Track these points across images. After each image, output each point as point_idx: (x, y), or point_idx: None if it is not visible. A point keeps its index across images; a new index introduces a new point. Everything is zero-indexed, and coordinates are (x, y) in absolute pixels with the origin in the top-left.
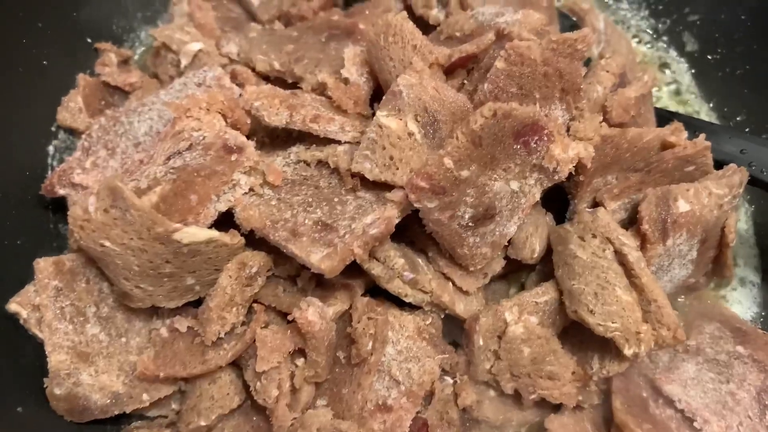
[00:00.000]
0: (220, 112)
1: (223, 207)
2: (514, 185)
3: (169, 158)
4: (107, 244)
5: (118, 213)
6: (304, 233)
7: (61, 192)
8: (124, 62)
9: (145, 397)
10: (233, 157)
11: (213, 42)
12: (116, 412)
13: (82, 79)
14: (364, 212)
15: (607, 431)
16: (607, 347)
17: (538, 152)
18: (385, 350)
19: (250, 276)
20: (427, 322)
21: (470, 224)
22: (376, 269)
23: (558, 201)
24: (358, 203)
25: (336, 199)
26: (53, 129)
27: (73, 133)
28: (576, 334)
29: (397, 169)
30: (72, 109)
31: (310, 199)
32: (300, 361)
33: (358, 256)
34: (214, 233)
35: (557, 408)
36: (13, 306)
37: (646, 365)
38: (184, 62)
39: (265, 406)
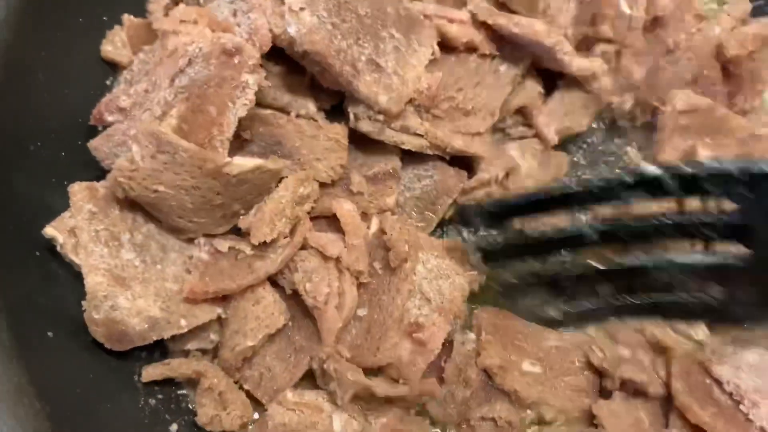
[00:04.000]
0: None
1: (243, 112)
2: None
3: (172, 80)
4: (161, 188)
5: (167, 157)
6: (363, 70)
7: (110, 119)
8: (175, 3)
9: (183, 322)
10: (236, 60)
11: None
12: (154, 338)
13: (127, 19)
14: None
15: (665, 420)
16: None
17: None
18: (416, 268)
19: (303, 195)
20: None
21: None
22: (365, 127)
23: None
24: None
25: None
26: (108, 83)
27: (116, 68)
28: None
29: None
30: (116, 43)
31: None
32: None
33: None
34: (259, 161)
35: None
36: (49, 230)
37: (706, 353)
38: None
39: (315, 306)
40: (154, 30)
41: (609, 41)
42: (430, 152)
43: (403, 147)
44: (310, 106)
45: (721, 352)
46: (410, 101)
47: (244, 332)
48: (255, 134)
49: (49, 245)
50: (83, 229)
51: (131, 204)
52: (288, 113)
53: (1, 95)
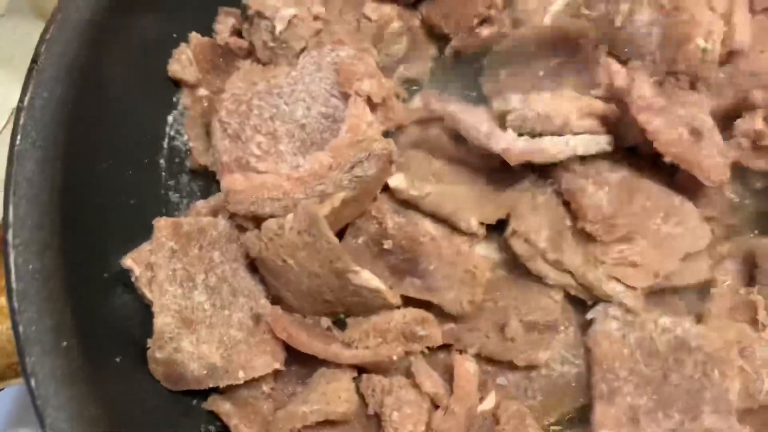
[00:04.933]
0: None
1: None
2: None
3: (353, 167)
4: (290, 261)
5: (309, 239)
6: None
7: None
8: (238, 33)
9: (240, 374)
10: (393, 168)
11: (305, 7)
12: (210, 385)
13: (194, 37)
14: None
15: None
16: None
17: None
18: None
19: (415, 334)
20: None
21: None
22: (518, 248)
23: None
24: None
25: None
26: (174, 100)
27: (179, 85)
28: None
29: None
30: (183, 61)
31: None
32: (438, 413)
33: None
34: (383, 286)
35: None
36: (128, 261)
37: None
38: (279, 27)
39: None
40: (219, 50)
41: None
42: (572, 292)
43: (546, 281)
44: (473, 222)
45: None
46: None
47: (305, 398)
48: (396, 246)
49: (116, 268)
50: (161, 267)
51: (211, 243)
52: (448, 225)
53: (75, 113)
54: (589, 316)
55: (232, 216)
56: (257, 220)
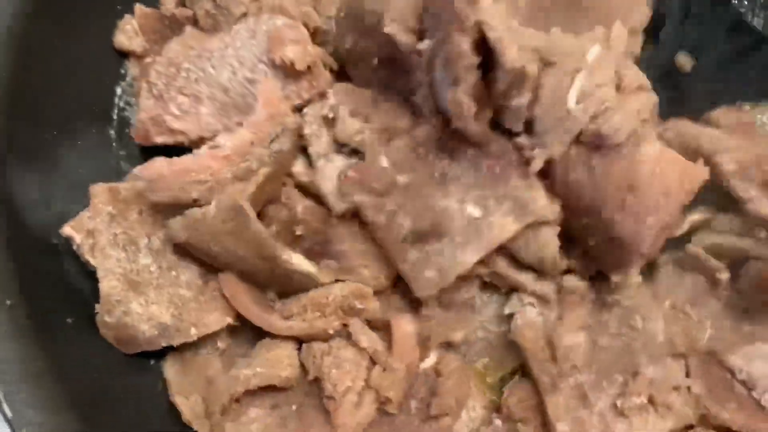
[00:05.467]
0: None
1: None
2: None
3: (272, 141)
4: (216, 248)
5: (235, 227)
6: None
7: (159, 140)
8: (183, 4)
9: (192, 331)
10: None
11: None
12: (163, 344)
13: (138, 9)
14: None
15: None
16: None
17: None
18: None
19: (354, 308)
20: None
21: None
22: None
23: None
24: None
25: None
26: (122, 71)
27: (127, 56)
28: None
29: None
30: (128, 32)
31: None
32: (377, 369)
33: None
34: (313, 269)
35: None
36: (67, 230)
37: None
38: None
39: (332, 396)
40: (167, 20)
41: None
42: (486, 279)
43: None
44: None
45: (735, 342)
46: None
47: (248, 362)
48: (308, 231)
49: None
50: (102, 232)
51: (152, 207)
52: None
53: (17, 84)
54: (507, 311)
55: (155, 205)
56: (177, 208)
